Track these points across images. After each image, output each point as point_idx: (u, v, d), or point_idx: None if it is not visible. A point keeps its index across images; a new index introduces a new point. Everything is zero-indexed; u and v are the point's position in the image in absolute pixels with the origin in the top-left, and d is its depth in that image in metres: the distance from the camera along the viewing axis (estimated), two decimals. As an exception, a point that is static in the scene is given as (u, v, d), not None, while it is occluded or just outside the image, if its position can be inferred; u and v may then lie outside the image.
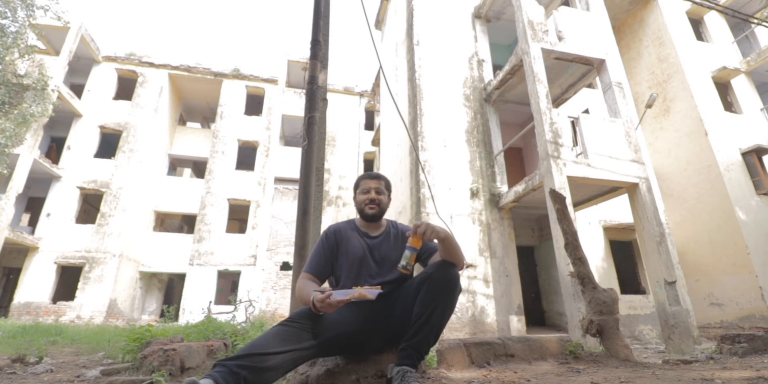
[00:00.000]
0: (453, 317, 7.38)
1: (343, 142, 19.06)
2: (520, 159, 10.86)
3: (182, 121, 20.20)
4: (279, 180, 17.69)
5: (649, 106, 8.35)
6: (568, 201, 6.33)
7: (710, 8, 8.09)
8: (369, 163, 19.15)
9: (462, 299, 7.54)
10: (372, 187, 1.88)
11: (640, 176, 6.80)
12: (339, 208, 17.73)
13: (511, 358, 2.16)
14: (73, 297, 13.77)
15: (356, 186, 1.95)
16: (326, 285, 1.74)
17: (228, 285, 16.20)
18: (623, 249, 9.18)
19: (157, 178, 17.14)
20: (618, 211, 9.06)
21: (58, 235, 14.22)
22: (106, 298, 13.87)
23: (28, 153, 13.39)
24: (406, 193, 9.46)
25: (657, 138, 11.11)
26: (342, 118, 19.22)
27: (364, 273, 1.75)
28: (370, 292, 1.43)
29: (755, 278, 8.39)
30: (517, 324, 7.53)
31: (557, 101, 9.16)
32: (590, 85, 9.87)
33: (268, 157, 17.57)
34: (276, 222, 17.01)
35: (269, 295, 15.67)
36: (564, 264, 5.95)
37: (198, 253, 15.58)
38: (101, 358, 2.72)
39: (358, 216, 1.95)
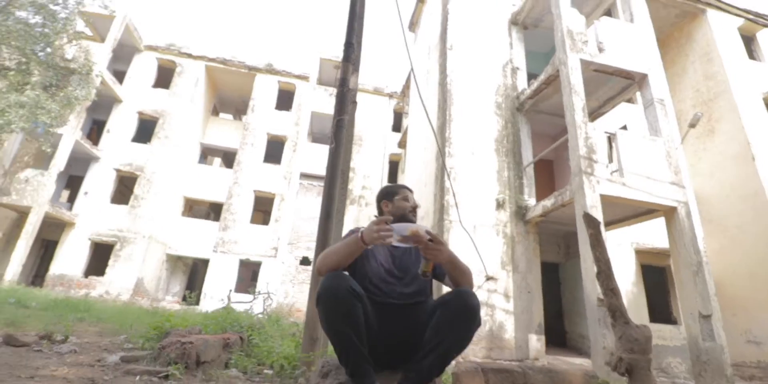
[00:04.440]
0: (467, 329, 7.24)
1: (370, 143, 19.07)
2: (550, 172, 10.54)
3: (215, 112, 20.72)
4: (304, 175, 17.88)
5: (692, 125, 7.93)
6: (600, 219, 6.08)
7: (765, 26, 7.59)
8: (394, 165, 19.10)
9: (480, 312, 7.37)
10: (411, 196, 1.98)
11: (679, 200, 6.45)
12: (361, 208, 17.76)
13: None
14: (104, 273, 14.39)
15: (393, 193, 1.98)
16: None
17: (249, 274, 16.50)
18: (655, 275, 8.75)
19: (189, 165, 17.67)
20: (652, 234, 8.65)
21: (93, 213, 14.88)
22: (134, 276, 14.42)
23: (71, 134, 14.05)
24: (429, 199, 9.35)
25: (699, 159, 10.54)
26: (370, 119, 19.24)
27: (387, 281, 1.75)
28: (421, 228, 1.46)
29: (797, 316, 7.84)
30: (536, 343, 7.30)
31: (593, 114, 8.82)
32: (630, 100, 9.47)
33: (296, 152, 17.78)
34: (299, 217, 17.22)
35: (287, 288, 15.88)
36: (591, 287, 5.71)
37: (222, 241, 15.97)
38: (122, 341, 2.80)
39: None
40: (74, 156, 14.82)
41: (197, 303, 15.29)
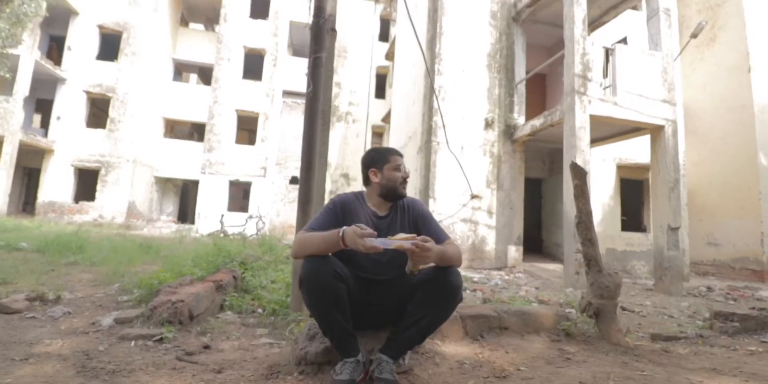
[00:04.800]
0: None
1: (355, 54, 17.83)
2: (542, 87, 10.19)
3: (184, 22, 18.76)
4: (287, 93, 17.07)
5: (695, 35, 7.48)
6: (586, 141, 6.10)
7: None
8: (381, 79, 18.18)
9: (464, 228, 7.80)
10: (402, 164, 1.79)
11: (668, 118, 6.40)
12: (348, 125, 17.40)
13: (504, 331, 2.26)
14: (94, 198, 14.49)
15: (382, 159, 1.79)
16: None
17: (240, 193, 16.77)
18: (633, 187, 9.11)
19: (163, 83, 16.64)
20: (634, 149, 8.77)
21: (71, 139, 14.42)
22: (125, 200, 14.59)
23: (29, 54, 12.85)
24: (417, 118, 9.14)
25: (694, 70, 10.20)
26: (354, 27, 17.69)
27: (372, 259, 1.68)
28: (406, 242, 1.42)
29: (759, 223, 8.46)
30: (514, 253, 7.89)
31: (594, 24, 8.20)
32: (635, 7, 8.73)
33: (276, 66, 16.67)
34: (285, 136, 16.91)
35: (279, 207, 16.36)
36: (570, 206, 5.97)
37: (209, 163, 15.87)
38: (116, 292, 2.90)
39: (367, 190, 1.84)
40: (37, 78, 13.77)
41: (192, 221, 15.90)
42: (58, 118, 14.60)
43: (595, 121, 6.28)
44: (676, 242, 6.07)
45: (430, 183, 7.76)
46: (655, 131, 6.57)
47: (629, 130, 7.05)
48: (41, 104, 15.61)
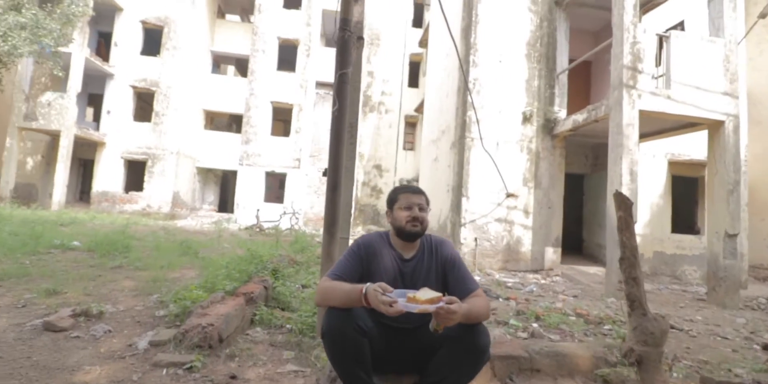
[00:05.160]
0: (487, 244, 7.54)
1: (388, 41, 17.46)
2: (586, 76, 9.57)
3: (221, 14, 19.05)
4: (320, 84, 17.08)
5: (763, 16, 6.69)
6: (634, 139, 5.67)
7: None
8: (415, 67, 17.77)
9: (499, 228, 7.57)
10: (414, 202, 1.69)
11: (729, 113, 5.83)
12: (381, 115, 17.21)
13: (536, 374, 2.13)
14: (142, 188, 15.28)
15: (393, 199, 1.75)
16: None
17: (276, 183, 17.15)
18: (685, 185, 8.46)
19: (202, 76, 17.11)
20: (689, 143, 8.10)
21: (120, 132, 15.19)
22: (170, 190, 15.29)
23: (79, 51, 13.51)
24: (451, 111, 8.85)
25: (761, 52, 9.24)
26: (387, 12, 17.27)
27: None
28: (431, 306, 1.34)
29: (829, 225, 7.67)
30: (552, 255, 7.60)
31: (646, 6, 7.53)
32: (696, -16, 7.93)
33: (309, 57, 16.66)
34: (318, 128, 17.00)
35: (312, 199, 16.62)
36: (613, 210, 5.61)
37: (246, 155, 16.27)
38: (155, 304, 3.02)
39: (392, 232, 1.76)
40: (88, 74, 14.51)
41: (232, 211, 16.49)
42: (108, 112, 15.37)
43: (645, 116, 5.81)
44: (734, 250, 5.59)
45: (463, 181, 7.54)
46: (714, 127, 6.01)
47: (683, 125, 6.50)
48: (93, 98, 16.49)
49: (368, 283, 1.42)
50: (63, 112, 13.51)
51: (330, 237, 2.48)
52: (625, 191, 5.47)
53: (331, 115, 2.42)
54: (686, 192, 8.48)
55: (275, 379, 2.02)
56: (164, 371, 1.99)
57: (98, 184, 15.09)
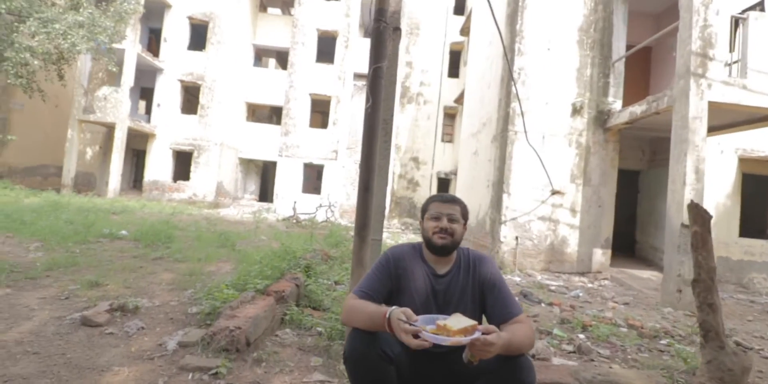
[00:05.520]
0: (528, 243, 7.17)
1: (428, 30, 17.00)
2: (645, 64, 8.82)
3: (263, 7, 19.29)
4: (358, 76, 16.95)
5: None
6: (702, 134, 5.11)
7: None
8: (456, 56, 17.20)
9: (542, 227, 7.17)
10: (444, 213, 1.52)
11: (816, 104, 5.12)
12: (419, 106, 16.88)
13: None
14: (188, 178, 15.93)
15: (424, 208, 1.60)
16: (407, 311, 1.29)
17: (314, 174, 17.33)
18: (757, 184, 7.61)
19: (245, 69, 17.49)
20: (763, 139, 7.29)
21: (169, 124, 15.85)
22: (214, 180, 15.85)
23: (132, 47, 14.12)
24: (493, 103, 8.44)
25: None
26: (427, 0, 16.76)
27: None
28: (464, 338, 1.16)
29: None
30: (600, 257, 7.12)
31: (721, -16, 6.74)
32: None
33: (348, 48, 16.54)
34: (355, 120, 16.93)
35: (348, 191, 16.65)
36: (676, 210, 5.12)
37: (285, 146, 16.51)
38: (189, 299, 3.05)
39: (424, 244, 1.60)
40: (140, 69, 15.17)
41: (271, 200, 16.88)
42: (159, 105, 16.06)
43: (715, 108, 5.22)
44: (816, 258, 4.95)
45: (505, 176, 7.18)
46: (797, 120, 5.32)
47: (759, 118, 5.79)
48: (144, 92, 17.29)
49: (393, 307, 1.28)
50: (117, 106, 14.23)
51: (361, 240, 2.33)
52: (689, 192, 4.96)
53: (364, 111, 2.26)
54: (758, 192, 7.65)
55: (301, 389, 1.94)
56: (190, 376, 1.96)
57: (149, 174, 15.86)
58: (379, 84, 2.28)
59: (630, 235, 8.73)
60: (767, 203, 7.71)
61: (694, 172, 5.06)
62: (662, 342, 3.57)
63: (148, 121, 16.20)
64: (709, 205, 7.28)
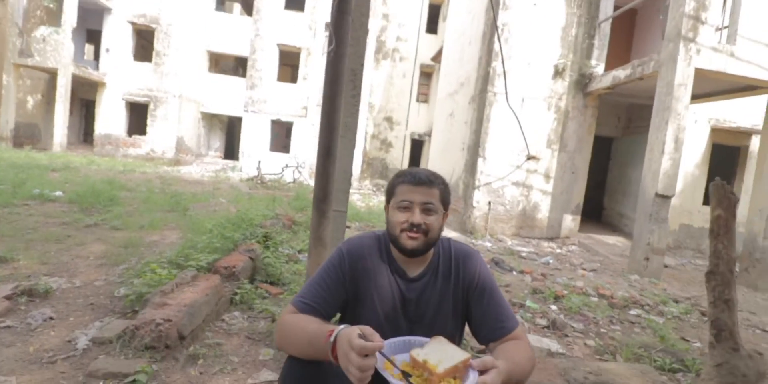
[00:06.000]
0: (501, 208, 7.08)
1: (408, -20, 15.83)
2: (629, 28, 8.47)
3: (224, -60, 17.28)
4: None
5: None
6: (685, 101, 4.92)
7: None
8: (435, 10, 16.25)
9: (515, 192, 7.06)
10: (417, 201, 1.06)
11: (800, 74, 5.01)
12: (395, 63, 16.08)
13: None
14: (145, 132, 14.82)
15: (390, 191, 1.13)
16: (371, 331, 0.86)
17: (282, 131, 16.53)
18: (725, 155, 7.71)
19: (206, 13, 15.90)
20: (735, 109, 7.27)
21: (120, 72, 14.45)
22: (173, 135, 14.84)
23: (69, -20, 12.39)
24: (473, 61, 7.98)
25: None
26: (410, -55, 15.47)
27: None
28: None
29: None
30: (570, 223, 7.15)
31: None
32: None
33: (320, -5, 15.23)
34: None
35: (321, 151, 16.07)
36: (650, 180, 5.04)
37: (251, 101, 15.49)
38: (119, 278, 2.62)
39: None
40: (84, 7, 13.48)
41: (237, 158, 16.09)
42: (107, 50, 14.50)
43: (700, 75, 5.03)
44: (776, 230, 5.07)
45: (481, 140, 6.91)
46: (778, 90, 5.22)
47: (741, 88, 5.69)
48: (91, 35, 15.52)
49: (343, 326, 0.87)
50: (59, 49, 12.71)
51: (320, 215, 2.00)
52: (666, 161, 4.86)
53: (326, 56, 1.84)
54: (725, 162, 7.77)
55: (243, 395, 1.62)
56: None
57: (100, 127, 14.62)
58: (345, 22, 1.85)
59: (598, 202, 8.83)
60: (732, 174, 7.87)
61: (673, 141, 4.93)
62: (632, 312, 3.55)
63: (96, 68, 14.67)
64: (679, 174, 7.35)
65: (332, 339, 0.85)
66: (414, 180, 1.07)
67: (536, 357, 1.03)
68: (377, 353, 0.81)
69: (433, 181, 1.08)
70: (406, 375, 0.82)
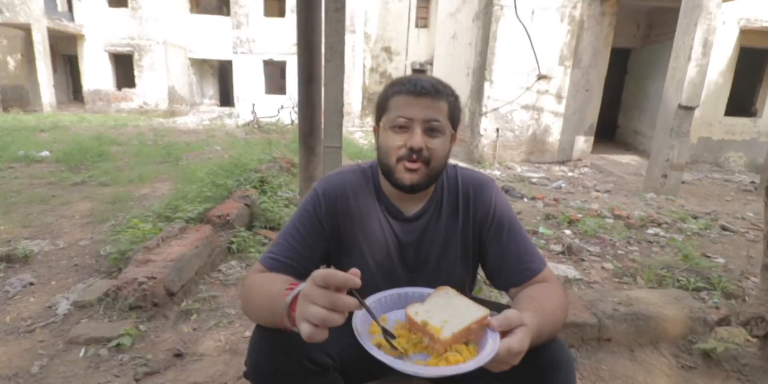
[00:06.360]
0: (509, 134, 6.75)
1: None
2: None
3: None
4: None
5: None
6: (716, -4, 4.29)
7: None
8: None
9: (525, 116, 6.67)
10: (418, 117, 0.80)
11: None
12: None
13: (605, 344, 1.52)
14: (134, 84, 14.24)
15: (382, 105, 0.85)
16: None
17: (277, 71, 15.72)
18: (753, 59, 6.99)
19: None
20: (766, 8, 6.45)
21: (97, 22, 13.58)
22: (164, 85, 14.27)
23: None
24: (475, -30, 7.08)
25: None
26: None
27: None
28: (465, 366, 0.56)
29: None
30: (583, 145, 6.83)
31: None
32: None
33: None
34: (317, 4, 14.69)
35: (319, 90, 15.35)
36: (674, 92, 4.60)
37: (240, 41, 14.52)
38: (106, 235, 2.48)
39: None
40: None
41: (232, 104, 15.55)
42: (78, -4, 13.41)
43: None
44: (809, 135, 4.70)
45: (487, 61, 6.36)
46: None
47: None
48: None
49: (302, 284, 0.59)
50: (28, 2, 11.77)
51: (308, 152, 1.79)
52: (692, 68, 4.39)
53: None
54: (751, 67, 7.10)
55: (239, 352, 1.50)
56: (81, 352, 1.45)
57: (88, 83, 14.06)
58: None
59: (612, 120, 8.37)
60: (758, 79, 7.23)
61: (701, 45, 4.40)
62: (649, 232, 3.41)
63: (72, 19, 13.68)
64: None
65: (289, 298, 0.61)
66: (415, 89, 0.79)
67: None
68: (358, 312, 0.61)
69: (440, 90, 0.82)
70: (387, 334, 0.61)
